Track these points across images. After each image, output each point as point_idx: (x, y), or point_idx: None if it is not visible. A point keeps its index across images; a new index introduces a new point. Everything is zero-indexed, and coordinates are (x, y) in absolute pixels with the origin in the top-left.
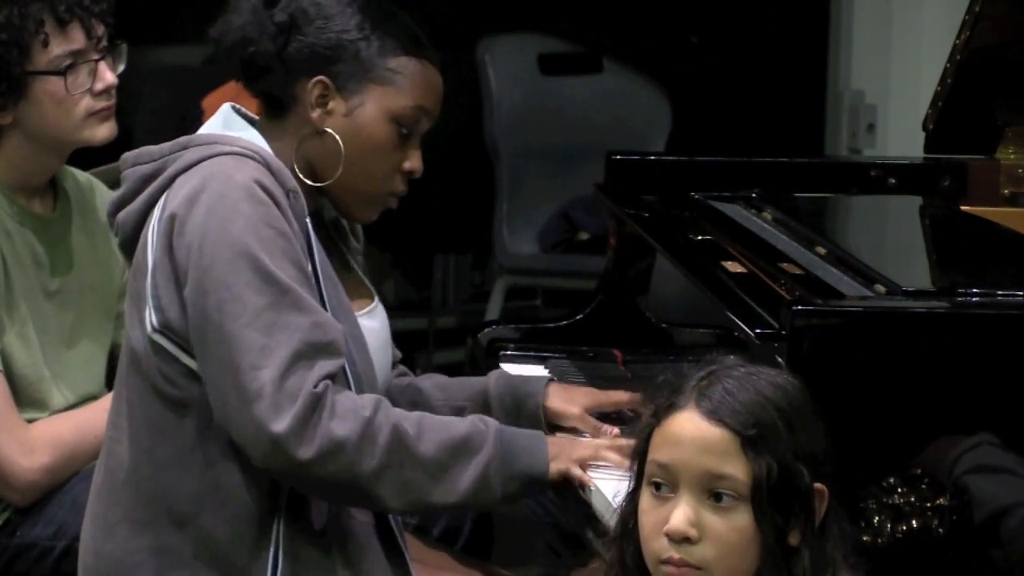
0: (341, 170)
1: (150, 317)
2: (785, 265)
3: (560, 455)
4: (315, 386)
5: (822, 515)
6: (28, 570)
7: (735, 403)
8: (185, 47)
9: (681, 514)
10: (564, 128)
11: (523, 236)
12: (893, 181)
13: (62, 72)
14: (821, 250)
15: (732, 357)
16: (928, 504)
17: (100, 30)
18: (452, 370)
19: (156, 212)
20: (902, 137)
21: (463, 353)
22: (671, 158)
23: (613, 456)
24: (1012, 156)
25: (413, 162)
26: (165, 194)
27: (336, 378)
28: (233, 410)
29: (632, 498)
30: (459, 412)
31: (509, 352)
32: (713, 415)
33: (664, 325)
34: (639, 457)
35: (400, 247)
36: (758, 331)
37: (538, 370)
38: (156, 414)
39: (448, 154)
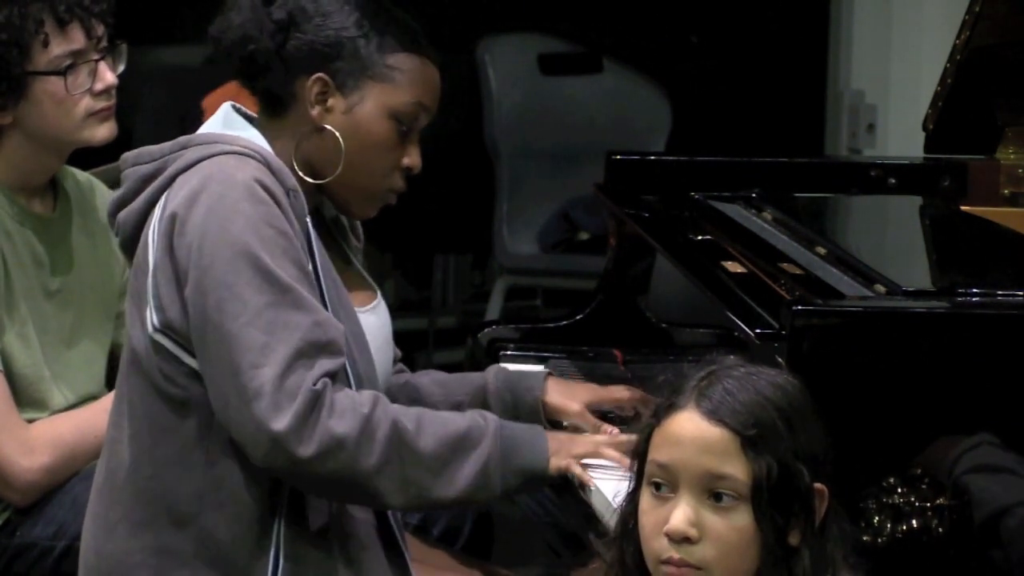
0: (341, 167)
1: (151, 317)
2: (785, 265)
3: (560, 451)
4: (314, 384)
5: (822, 515)
6: (28, 570)
7: (735, 403)
8: (185, 47)
9: (681, 514)
10: (564, 128)
11: (523, 236)
12: (893, 181)
13: (62, 72)
14: (821, 250)
15: (732, 357)
16: (928, 504)
17: (100, 30)
18: (452, 370)
19: (156, 212)
20: (902, 137)
21: (463, 353)
22: (671, 158)
23: (613, 453)
24: (1012, 156)
25: (412, 158)
26: (165, 194)
27: (337, 377)
28: (233, 409)
29: (632, 498)
30: (457, 408)
31: (509, 352)
32: (713, 415)
33: (664, 325)
34: (639, 457)
35: (400, 247)
36: (758, 331)
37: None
38: (157, 414)
39: (448, 154)
